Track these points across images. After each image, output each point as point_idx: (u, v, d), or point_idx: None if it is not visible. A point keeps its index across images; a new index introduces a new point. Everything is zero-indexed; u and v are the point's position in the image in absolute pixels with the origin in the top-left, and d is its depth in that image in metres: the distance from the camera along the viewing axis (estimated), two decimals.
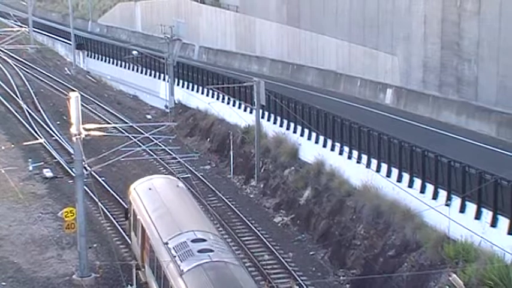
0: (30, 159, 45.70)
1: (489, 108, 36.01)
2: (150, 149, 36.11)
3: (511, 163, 29.95)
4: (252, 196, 41.03)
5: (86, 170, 31.34)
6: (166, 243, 25.17)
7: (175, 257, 24.10)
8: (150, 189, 30.20)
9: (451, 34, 38.69)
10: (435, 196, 29.03)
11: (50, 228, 35.69)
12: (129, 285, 27.66)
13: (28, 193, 40.78)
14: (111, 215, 36.99)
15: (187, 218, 27.69)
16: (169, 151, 46.23)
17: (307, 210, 36.37)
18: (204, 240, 25.00)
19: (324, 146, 38.28)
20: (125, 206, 34.83)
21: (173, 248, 24.71)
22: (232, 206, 38.95)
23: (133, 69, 67.64)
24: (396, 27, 43.53)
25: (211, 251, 24.12)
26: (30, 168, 44.73)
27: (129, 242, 32.00)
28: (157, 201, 28.68)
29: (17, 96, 63.65)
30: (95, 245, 33.58)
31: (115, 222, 36.04)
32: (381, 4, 44.72)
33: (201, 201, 36.75)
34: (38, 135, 50.06)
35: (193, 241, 24.77)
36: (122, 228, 35.03)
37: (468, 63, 37.63)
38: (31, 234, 35.37)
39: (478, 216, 26.55)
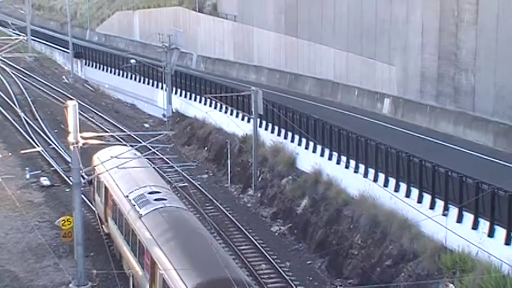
0: (27, 168, 45.67)
1: (486, 119, 36.09)
2: (147, 158, 36.33)
3: (508, 173, 30.00)
4: (249, 205, 41.02)
5: (84, 178, 31.31)
6: (127, 196, 30.30)
7: (134, 205, 29.27)
8: (111, 156, 33.05)
9: (449, 44, 38.81)
10: (432, 206, 29.05)
11: (46, 237, 35.62)
12: None
13: (25, 201, 40.72)
14: None
15: (144, 177, 32.42)
16: (167, 160, 46.22)
17: (304, 220, 36.37)
18: (158, 192, 30.30)
19: (322, 155, 38.30)
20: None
21: (133, 199, 29.89)
22: (229, 215, 38.94)
23: (131, 78, 67.68)
24: (394, 37, 43.65)
25: (165, 199, 29.30)
26: (28, 176, 44.68)
27: (94, 204, 36.57)
28: (118, 164, 31.74)
29: (14, 104, 63.64)
30: (92, 254, 33.49)
31: None
32: (379, 14, 44.86)
33: (198, 210, 36.77)
34: (36, 143, 50.03)
35: (149, 193, 30.03)
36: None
37: (465, 73, 37.73)
38: (28, 242, 35.28)
39: (475, 226, 26.57)
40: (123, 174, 32.06)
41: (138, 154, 35.23)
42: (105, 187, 33.22)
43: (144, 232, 27.40)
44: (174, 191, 33.35)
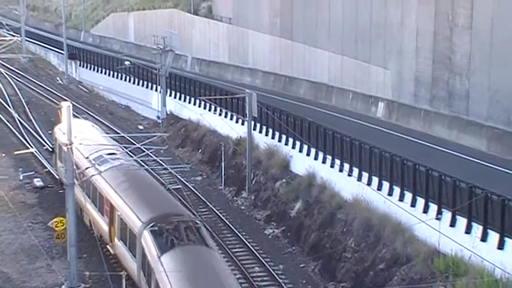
0: (20, 169, 45.58)
1: (480, 123, 36.16)
2: (141, 160, 36.38)
3: (501, 178, 30.06)
4: (243, 208, 41.00)
5: (77, 179, 31.26)
6: (87, 157, 35.00)
7: (94, 164, 33.94)
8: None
9: (443, 48, 38.88)
10: (426, 210, 29.08)
11: (39, 238, 35.56)
12: None
13: (18, 202, 40.63)
14: None
15: (102, 142, 38.03)
16: (161, 162, 46.15)
17: (298, 223, 36.36)
18: (114, 153, 35.71)
19: (316, 158, 38.32)
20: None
21: (93, 159, 34.84)
22: (223, 217, 38.91)
23: (125, 80, 67.59)
24: (388, 41, 43.71)
25: (121, 159, 34.62)
26: (21, 177, 44.59)
27: (56, 170, 42.24)
28: (78, 134, 34.28)
29: (8, 105, 63.48)
30: (84, 255, 33.42)
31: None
32: (374, 18, 44.93)
33: (191, 211, 36.72)
34: (29, 144, 49.93)
35: (107, 154, 35.20)
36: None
37: (460, 77, 37.80)
38: (21, 243, 35.22)
39: (468, 230, 26.61)
40: (83, 140, 34.42)
41: (95, 125, 42.26)
42: None
43: (104, 185, 32.69)
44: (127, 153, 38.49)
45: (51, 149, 40.56)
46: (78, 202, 34.20)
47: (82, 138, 33.04)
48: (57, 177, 41.41)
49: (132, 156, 36.90)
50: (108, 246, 32.19)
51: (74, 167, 32.57)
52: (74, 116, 42.97)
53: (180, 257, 25.39)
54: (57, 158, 41.49)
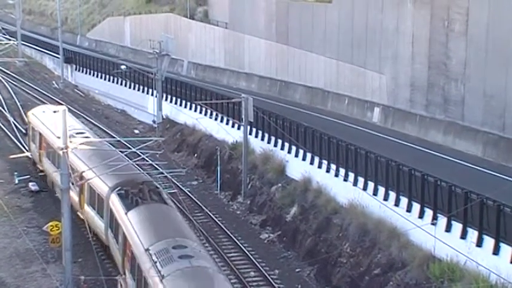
0: (16, 173, 45.49)
1: (476, 128, 36.23)
2: (137, 164, 36.44)
3: (496, 183, 30.09)
4: (238, 212, 40.98)
5: (73, 184, 31.22)
6: (59, 137, 36.28)
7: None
8: (44, 111, 45.27)
9: (439, 54, 38.96)
10: (421, 215, 29.11)
11: (34, 242, 35.50)
12: None
13: (13, 206, 40.57)
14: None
15: (71, 123, 39.49)
16: (157, 166, 46.14)
17: (293, 227, 36.36)
18: (83, 132, 39.38)
19: (311, 163, 38.34)
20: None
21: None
22: (218, 222, 38.89)
23: (121, 84, 67.59)
24: (384, 46, 43.79)
25: (88, 137, 37.55)
26: (16, 181, 44.51)
27: (29, 150, 46.12)
28: (49, 118, 41.03)
29: (4, 109, 63.42)
30: (80, 260, 33.39)
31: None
32: (369, 23, 45.01)
33: (187, 217, 36.69)
34: (25, 148, 49.84)
35: (76, 133, 37.35)
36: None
37: (455, 83, 37.88)
38: (16, 248, 35.14)
39: (463, 235, 26.64)
40: (52, 123, 39.44)
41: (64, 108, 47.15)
42: (40, 134, 43.35)
43: (72, 156, 34.57)
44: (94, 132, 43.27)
45: (24, 132, 46.54)
46: (49, 176, 41.53)
47: (53, 120, 36.77)
48: (30, 157, 45.46)
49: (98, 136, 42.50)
50: (78, 213, 36.19)
51: (44, 144, 39.37)
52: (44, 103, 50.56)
53: (143, 212, 29.06)
54: (30, 139, 46.74)
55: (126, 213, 29.38)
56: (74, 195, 34.62)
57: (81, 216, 35.79)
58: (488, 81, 35.45)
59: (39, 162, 44.11)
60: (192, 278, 23.19)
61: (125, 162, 34.22)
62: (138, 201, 29.97)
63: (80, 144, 29.07)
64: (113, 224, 31.02)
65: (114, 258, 31.06)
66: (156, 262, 24.43)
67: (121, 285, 28.86)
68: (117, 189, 31.74)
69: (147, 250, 25.53)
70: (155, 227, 27.43)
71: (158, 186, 33.05)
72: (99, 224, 33.14)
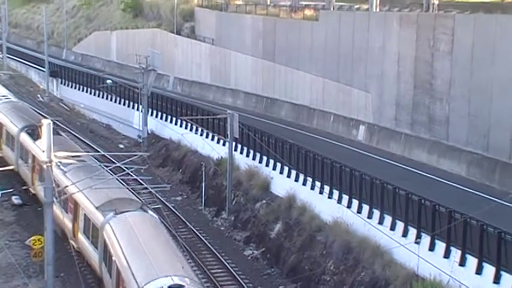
0: None
1: (460, 148, 36.40)
2: (121, 179, 36.33)
3: (480, 203, 30.20)
4: (222, 228, 40.88)
5: (56, 198, 31.00)
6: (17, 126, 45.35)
7: (13, 123, 47.28)
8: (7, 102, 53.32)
9: (424, 73, 39.20)
10: (405, 234, 29.17)
11: (16, 256, 35.22)
12: None
13: None
14: None
15: (23, 112, 49.42)
16: (141, 181, 45.95)
17: (277, 244, 36.30)
18: (34, 126, 42.97)
19: (296, 180, 38.35)
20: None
21: (20, 128, 45.96)
22: (202, 238, 38.77)
23: (107, 98, 67.46)
24: (370, 65, 44.01)
25: (36, 125, 41.87)
26: None
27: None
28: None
29: None
30: (62, 274, 33.15)
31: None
32: (356, 41, 45.24)
33: (171, 232, 36.53)
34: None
35: (30, 129, 44.34)
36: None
37: (440, 102, 38.09)
38: None
39: (447, 254, 26.71)
40: (9, 109, 49.13)
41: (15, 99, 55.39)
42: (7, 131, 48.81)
43: (27, 141, 43.15)
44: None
45: None
46: (13, 163, 45.72)
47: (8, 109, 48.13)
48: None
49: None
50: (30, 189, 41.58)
51: (4, 132, 46.72)
52: None
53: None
54: (1, 141, 50.70)
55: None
56: (27, 172, 42.14)
57: (33, 191, 40.96)
58: (472, 101, 35.67)
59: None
60: None
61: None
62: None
63: (64, 157, 28.91)
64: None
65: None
66: None
67: None
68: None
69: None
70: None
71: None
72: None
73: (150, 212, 31.12)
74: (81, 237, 32.82)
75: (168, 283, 23.93)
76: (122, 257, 26.35)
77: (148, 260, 25.71)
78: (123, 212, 29.80)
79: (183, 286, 23.96)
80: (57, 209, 34.98)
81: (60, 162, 35.30)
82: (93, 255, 30.82)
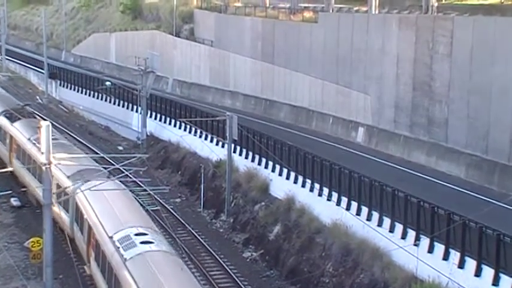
0: None
1: (459, 150, 36.39)
2: (120, 181, 36.31)
3: (479, 205, 30.21)
4: (221, 230, 40.86)
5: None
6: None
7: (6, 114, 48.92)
8: None
9: (423, 75, 39.20)
10: (404, 236, 29.15)
11: (15, 258, 35.17)
12: None
13: None
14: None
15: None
16: (140, 183, 45.93)
17: (276, 246, 36.28)
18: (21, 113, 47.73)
19: (295, 182, 38.34)
20: None
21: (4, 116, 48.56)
22: (201, 240, 38.74)
23: (106, 100, 67.43)
24: (369, 67, 44.01)
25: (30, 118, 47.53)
26: None
27: None
28: None
29: None
30: (60, 276, 33.12)
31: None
32: (355, 43, 45.24)
33: (170, 235, 36.55)
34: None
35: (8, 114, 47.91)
36: None
37: (439, 104, 38.10)
38: None
39: (446, 257, 26.70)
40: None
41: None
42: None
43: (13, 129, 45.68)
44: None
45: None
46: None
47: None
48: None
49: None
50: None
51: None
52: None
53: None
54: None
55: None
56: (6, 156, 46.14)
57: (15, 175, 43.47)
58: (471, 103, 35.68)
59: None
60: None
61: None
62: None
63: (63, 159, 28.91)
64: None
65: None
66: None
67: None
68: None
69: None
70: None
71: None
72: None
73: (117, 181, 34.26)
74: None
75: (134, 232, 27.74)
76: (93, 215, 30.20)
77: (116, 217, 29.64)
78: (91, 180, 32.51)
79: (146, 234, 27.62)
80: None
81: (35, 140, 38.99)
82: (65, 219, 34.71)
